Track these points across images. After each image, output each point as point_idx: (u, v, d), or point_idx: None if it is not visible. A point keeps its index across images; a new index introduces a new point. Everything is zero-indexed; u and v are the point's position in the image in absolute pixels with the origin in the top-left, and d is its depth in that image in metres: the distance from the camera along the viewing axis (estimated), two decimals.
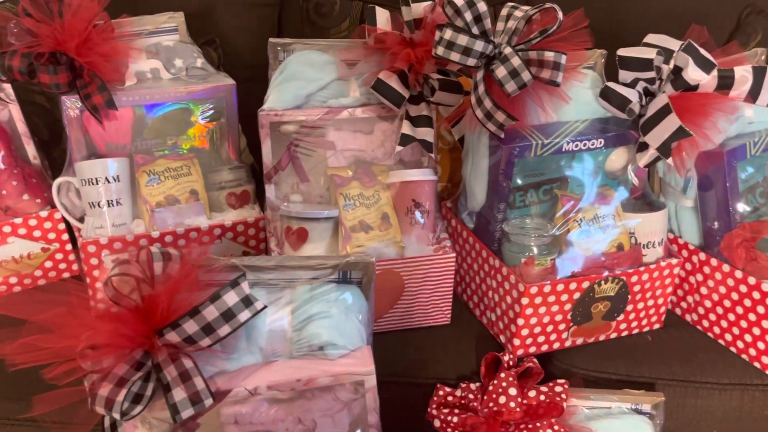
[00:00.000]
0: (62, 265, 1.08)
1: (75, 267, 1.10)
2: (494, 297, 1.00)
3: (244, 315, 0.67)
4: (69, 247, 1.08)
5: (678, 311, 1.08)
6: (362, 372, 0.71)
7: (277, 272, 0.75)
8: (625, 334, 1.03)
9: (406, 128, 0.99)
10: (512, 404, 0.84)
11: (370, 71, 1.02)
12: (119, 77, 1.02)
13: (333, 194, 1.02)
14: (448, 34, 0.90)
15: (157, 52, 1.10)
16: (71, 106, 0.99)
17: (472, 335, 1.04)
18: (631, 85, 0.94)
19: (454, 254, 0.99)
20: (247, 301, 0.67)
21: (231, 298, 0.66)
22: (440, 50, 0.91)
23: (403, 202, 1.00)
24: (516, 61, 0.87)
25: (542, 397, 0.86)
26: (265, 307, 0.69)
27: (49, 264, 1.07)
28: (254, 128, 1.02)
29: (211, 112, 1.09)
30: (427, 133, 0.99)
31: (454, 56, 0.90)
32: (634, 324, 1.03)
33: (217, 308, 0.66)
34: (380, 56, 1.02)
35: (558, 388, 0.87)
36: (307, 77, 1.01)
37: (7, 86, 1.03)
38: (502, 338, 1.00)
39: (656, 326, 1.05)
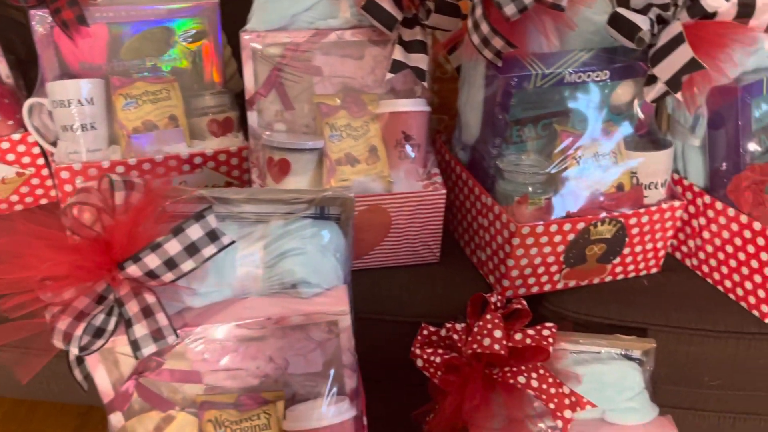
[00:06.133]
0: (39, 191, 1.05)
1: (53, 193, 1.06)
2: (485, 236, 0.95)
3: (209, 250, 0.63)
4: (45, 172, 1.04)
5: (678, 255, 1.04)
6: (336, 312, 0.68)
7: (251, 205, 0.71)
8: (621, 277, 0.99)
9: (398, 54, 0.92)
10: (497, 346, 0.81)
11: None
12: None
13: (319, 124, 0.96)
14: None
15: None
16: (40, 21, 0.92)
17: (462, 274, 1.00)
18: (644, 11, 0.86)
19: (444, 190, 0.94)
20: (213, 236, 0.63)
21: (195, 231, 0.62)
22: None
23: (392, 134, 0.94)
24: None
25: (528, 341, 0.83)
26: (233, 242, 0.65)
27: (25, 189, 1.03)
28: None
29: (194, 32, 1.02)
30: (420, 60, 0.92)
31: None
32: (631, 268, 0.98)
33: (180, 242, 0.62)
34: None
35: (545, 332, 0.84)
36: None
37: None
38: (492, 278, 0.97)
39: (654, 270, 1.01)
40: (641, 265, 0.99)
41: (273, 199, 0.69)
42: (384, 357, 0.97)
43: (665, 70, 0.83)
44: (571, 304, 0.95)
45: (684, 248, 1.02)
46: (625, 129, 0.93)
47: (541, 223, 0.87)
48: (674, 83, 0.83)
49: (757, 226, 0.87)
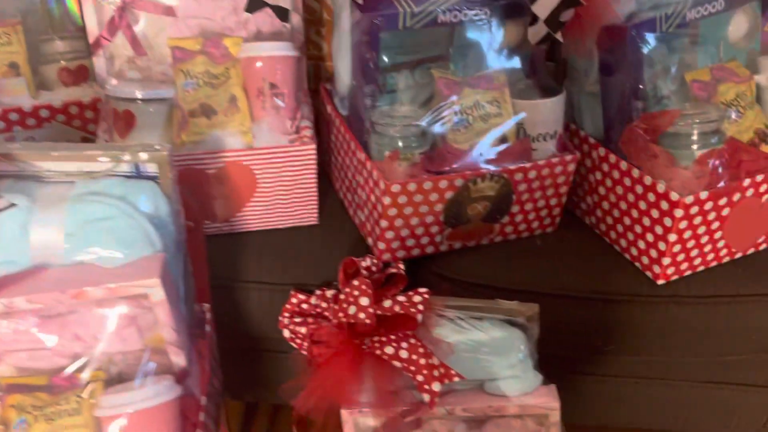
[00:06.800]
0: None
1: None
2: (362, 195, 0.87)
3: None
4: None
5: (577, 212, 0.97)
6: (145, 284, 0.59)
7: (55, 163, 0.62)
8: (512, 237, 0.92)
9: None
10: (362, 315, 0.74)
11: None
12: None
13: (174, 71, 0.86)
14: None
15: None
16: None
17: (343, 237, 0.92)
18: None
19: (314, 145, 0.85)
20: None
21: None
22: None
23: (253, 82, 0.84)
24: None
25: (397, 308, 0.76)
26: (12, 205, 0.56)
27: None
28: None
29: None
30: None
31: None
32: (523, 227, 0.91)
33: None
34: None
35: (417, 298, 0.77)
36: None
37: None
38: (370, 241, 0.89)
39: (550, 229, 0.94)
40: (534, 224, 0.92)
41: (69, 157, 0.60)
42: (255, 327, 0.90)
43: (544, 7, 0.74)
44: (455, 267, 0.88)
45: (583, 205, 0.95)
46: (512, 75, 0.84)
47: (414, 180, 0.79)
48: (554, 22, 0.74)
49: (647, 180, 0.80)
